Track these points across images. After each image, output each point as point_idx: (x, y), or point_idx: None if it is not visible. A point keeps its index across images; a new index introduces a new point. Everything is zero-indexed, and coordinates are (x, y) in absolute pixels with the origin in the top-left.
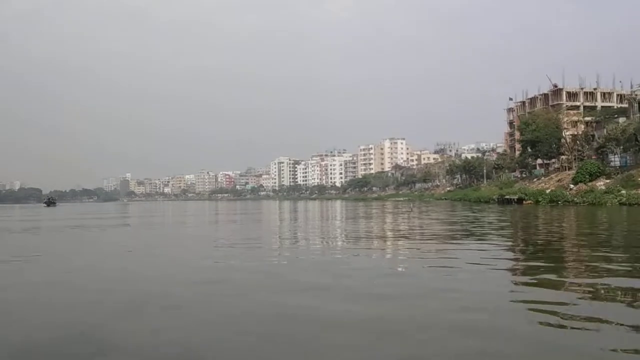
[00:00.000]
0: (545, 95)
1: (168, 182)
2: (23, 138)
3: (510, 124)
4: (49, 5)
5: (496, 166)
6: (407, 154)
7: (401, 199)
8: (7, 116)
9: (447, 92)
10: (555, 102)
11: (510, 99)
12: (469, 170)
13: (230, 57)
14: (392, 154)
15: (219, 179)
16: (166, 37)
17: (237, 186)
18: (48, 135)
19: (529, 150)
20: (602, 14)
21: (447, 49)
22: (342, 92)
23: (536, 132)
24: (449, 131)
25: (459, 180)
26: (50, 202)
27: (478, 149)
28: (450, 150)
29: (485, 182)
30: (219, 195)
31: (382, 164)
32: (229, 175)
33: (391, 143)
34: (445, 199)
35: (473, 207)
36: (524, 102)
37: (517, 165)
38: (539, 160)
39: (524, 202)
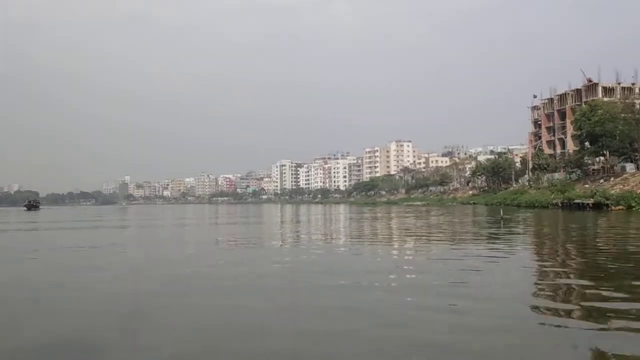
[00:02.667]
0: (578, 91)
1: (167, 185)
2: (21, 142)
3: (535, 123)
4: (48, 12)
5: (537, 166)
6: (414, 156)
7: (418, 202)
8: (6, 120)
9: (454, 95)
10: (590, 98)
11: (535, 97)
12: (497, 172)
13: (231, 62)
14: (398, 156)
15: (219, 182)
16: (166, 42)
17: (238, 189)
18: (46, 139)
19: (588, 146)
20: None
21: (452, 53)
22: (345, 97)
23: (598, 125)
24: (456, 134)
25: (481, 183)
26: (32, 206)
27: (492, 151)
28: (459, 153)
29: (514, 184)
30: (219, 198)
31: (388, 167)
32: (229, 178)
33: (397, 146)
34: (474, 203)
35: (542, 214)
36: (551, 100)
37: (569, 164)
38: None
39: (610, 208)
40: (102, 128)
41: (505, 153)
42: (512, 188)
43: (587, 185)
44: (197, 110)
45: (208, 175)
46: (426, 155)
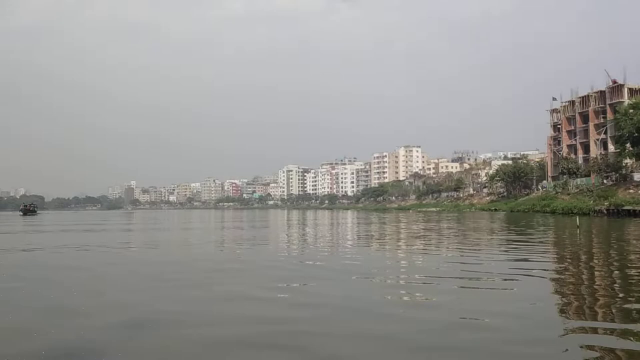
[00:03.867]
0: (602, 93)
1: (173, 190)
2: (29, 148)
3: (555, 126)
4: (53, 22)
5: (566, 170)
6: (423, 162)
7: (432, 209)
8: (14, 128)
9: (462, 102)
10: (615, 100)
11: (554, 99)
12: (518, 177)
13: (237, 69)
14: (407, 162)
15: (225, 187)
16: (173, 51)
17: (244, 195)
18: (53, 145)
19: (630, 148)
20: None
21: (455, 60)
22: (351, 104)
23: None
24: (465, 140)
25: (498, 189)
26: (28, 210)
27: (505, 157)
28: (469, 159)
29: (539, 189)
30: (225, 204)
31: (396, 172)
32: (235, 183)
33: (406, 151)
34: (495, 209)
35: (598, 223)
36: (572, 102)
37: (604, 168)
38: None
39: None
40: (109, 134)
41: (520, 158)
42: (534, 194)
43: (631, 190)
44: (202, 117)
45: (214, 181)
46: (436, 160)
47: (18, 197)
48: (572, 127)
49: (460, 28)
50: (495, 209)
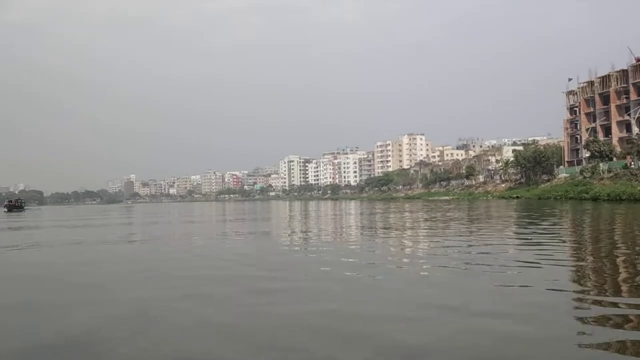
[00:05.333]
0: (624, 72)
1: (173, 182)
2: (28, 143)
3: (571, 109)
4: (52, 17)
5: (597, 153)
6: (427, 150)
7: (445, 197)
8: (14, 123)
9: (464, 90)
10: (639, 80)
11: (570, 80)
12: (539, 162)
13: (236, 62)
14: (411, 150)
15: (226, 179)
16: (169, 44)
17: (245, 186)
18: (52, 140)
19: None
20: None
21: (456, 55)
22: (352, 95)
23: None
24: (468, 128)
25: (513, 175)
26: (13, 207)
27: (514, 143)
28: (474, 146)
29: (562, 174)
30: (226, 196)
31: (400, 161)
32: (236, 175)
33: (410, 139)
34: (517, 197)
35: None
36: (591, 82)
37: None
38: None
39: None
40: (109, 129)
41: (531, 144)
42: (556, 180)
43: None
44: (201, 110)
45: (214, 173)
46: (440, 148)
47: (17, 192)
48: (591, 109)
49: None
50: (517, 197)
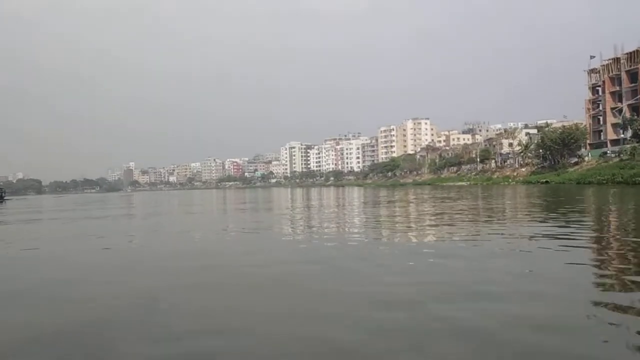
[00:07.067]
0: None
1: (173, 170)
2: (28, 132)
3: (593, 88)
4: (47, 9)
5: None
6: (432, 134)
7: (461, 183)
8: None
9: (471, 76)
10: None
11: (592, 57)
12: (567, 144)
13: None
14: (415, 135)
15: (226, 167)
16: (170, 30)
17: (246, 173)
18: (50, 129)
19: None
20: None
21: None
22: (357, 87)
23: None
24: (472, 112)
25: (531, 159)
26: None
27: (527, 125)
28: (480, 130)
29: (588, 156)
30: (226, 183)
31: (404, 146)
32: (236, 162)
33: (414, 124)
34: (545, 181)
35: None
36: (616, 59)
37: None
38: None
39: None
40: (108, 116)
41: (545, 127)
42: (585, 163)
43: None
44: (201, 103)
45: (214, 160)
46: (446, 133)
47: (15, 181)
48: (617, 88)
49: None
50: (547, 182)
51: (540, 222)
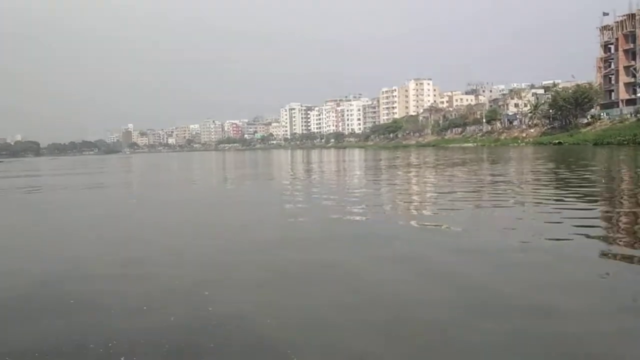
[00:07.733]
0: None
1: (172, 132)
2: (26, 93)
3: (605, 46)
4: None
5: None
6: (435, 95)
7: (467, 144)
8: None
9: (469, 33)
10: None
11: (606, 14)
12: (580, 104)
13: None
14: (418, 96)
15: (225, 128)
16: None
17: (246, 135)
18: (49, 90)
19: None
20: None
21: None
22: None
23: None
24: (474, 73)
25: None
26: None
27: (532, 85)
28: (484, 91)
29: (604, 115)
30: (226, 145)
31: (407, 107)
32: (236, 124)
33: (417, 84)
34: (558, 142)
35: None
36: (631, 15)
37: None
38: None
39: None
40: (104, 81)
41: (553, 87)
42: (599, 123)
43: None
44: (202, 59)
45: (214, 122)
46: (449, 94)
47: (13, 143)
48: (631, 46)
49: None
50: (560, 142)
51: None
